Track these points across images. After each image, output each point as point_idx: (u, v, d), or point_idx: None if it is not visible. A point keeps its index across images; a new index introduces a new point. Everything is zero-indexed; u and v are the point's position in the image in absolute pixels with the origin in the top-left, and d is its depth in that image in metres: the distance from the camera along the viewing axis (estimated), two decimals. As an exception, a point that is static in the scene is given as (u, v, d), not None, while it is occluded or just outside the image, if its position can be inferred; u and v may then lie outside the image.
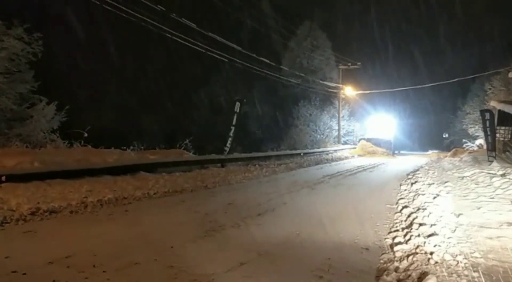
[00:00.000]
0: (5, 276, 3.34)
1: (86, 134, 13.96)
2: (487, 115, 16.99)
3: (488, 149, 16.78)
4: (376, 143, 27.30)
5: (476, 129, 31.93)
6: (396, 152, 30.81)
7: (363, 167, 16.64)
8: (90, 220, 5.61)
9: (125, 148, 14.35)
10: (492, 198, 7.59)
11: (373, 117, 33.25)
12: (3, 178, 7.36)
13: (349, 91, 31.73)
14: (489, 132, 16.82)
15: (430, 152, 37.45)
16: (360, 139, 29.10)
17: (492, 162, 14.98)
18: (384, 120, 31.84)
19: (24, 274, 3.41)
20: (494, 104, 20.98)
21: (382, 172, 15.03)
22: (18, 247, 4.22)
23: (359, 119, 34.30)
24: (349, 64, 30.64)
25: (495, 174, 10.96)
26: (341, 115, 31.38)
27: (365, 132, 32.64)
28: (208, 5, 28.26)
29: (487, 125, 16.89)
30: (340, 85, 30.79)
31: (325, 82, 30.50)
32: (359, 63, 30.71)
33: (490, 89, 28.75)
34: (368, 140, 27.92)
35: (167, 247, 4.28)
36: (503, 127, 19.76)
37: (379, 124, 31.40)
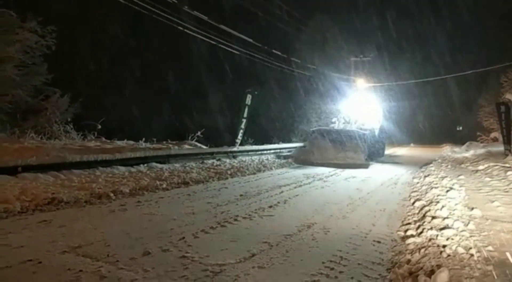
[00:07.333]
0: (21, 265, 3.41)
1: (99, 127, 14.16)
2: (503, 108, 16.72)
3: (503, 142, 16.56)
4: (337, 138, 14.64)
5: (491, 123, 31.39)
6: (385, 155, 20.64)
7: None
8: (104, 211, 5.69)
9: (138, 140, 14.50)
10: (507, 191, 7.48)
11: (349, 100, 22.13)
12: (19, 169, 7.49)
13: (361, 83, 31.25)
14: (504, 126, 16.57)
15: (444, 145, 36.14)
16: (313, 132, 16.18)
17: (507, 155, 14.76)
18: (366, 104, 20.75)
19: (40, 262, 3.47)
20: (509, 97, 20.63)
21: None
22: (34, 236, 4.30)
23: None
24: (361, 56, 30.24)
25: (510, 167, 10.80)
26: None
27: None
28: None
29: (503, 118, 16.63)
30: (352, 78, 30.43)
31: (336, 75, 30.23)
32: (371, 55, 30.22)
33: (505, 81, 28.15)
34: (326, 134, 15.03)
35: (179, 237, 4.33)
36: (518, 121, 19.39)
37: (358, 109, 20.17)
